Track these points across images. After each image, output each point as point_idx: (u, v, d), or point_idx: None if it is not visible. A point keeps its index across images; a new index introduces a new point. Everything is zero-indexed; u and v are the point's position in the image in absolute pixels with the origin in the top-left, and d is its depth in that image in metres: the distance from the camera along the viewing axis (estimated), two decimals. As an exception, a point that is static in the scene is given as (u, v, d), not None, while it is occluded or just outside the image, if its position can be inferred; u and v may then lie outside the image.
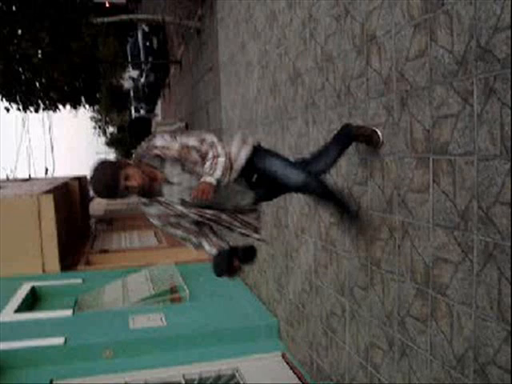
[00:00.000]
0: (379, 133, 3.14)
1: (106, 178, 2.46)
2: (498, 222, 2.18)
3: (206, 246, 2.73)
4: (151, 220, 2.72)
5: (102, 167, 2.52)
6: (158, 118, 27.05)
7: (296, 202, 4.67)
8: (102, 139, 60.60)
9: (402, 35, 2.85)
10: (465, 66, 2.34)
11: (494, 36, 2.15)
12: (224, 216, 2.73)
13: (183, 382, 4.64)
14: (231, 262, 2.57)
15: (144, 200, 2.65)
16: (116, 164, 2.52)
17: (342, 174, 3.69)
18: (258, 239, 2.87)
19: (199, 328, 5.40)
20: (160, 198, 2.62)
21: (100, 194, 2.53)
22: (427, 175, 2.67)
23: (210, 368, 4.84)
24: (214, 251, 2.68)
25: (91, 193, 19.07)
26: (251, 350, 5.12)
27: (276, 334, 5.44)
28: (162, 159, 2.58)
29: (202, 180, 2.48)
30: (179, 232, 2.73)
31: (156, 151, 2.58)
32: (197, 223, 2.73)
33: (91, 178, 2.51)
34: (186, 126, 16.39)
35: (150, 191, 2.59)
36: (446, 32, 2.46)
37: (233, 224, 2.77)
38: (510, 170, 2.10)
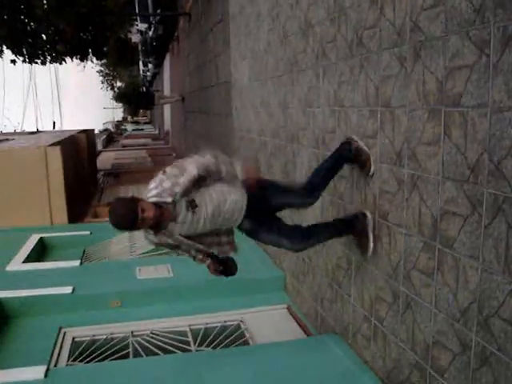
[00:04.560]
0: (371, 163, 3.37)
1: (126, 210, 2.75)
2: (509, 176, 2.15)
3: (193, 252, 3.22)
4: (148, 241, 3.11)
5: (122, 202, 2.86)
6: (160, 93, 27.94)
7: (305, 155, 4.64)
8: (110, 94, 60.31)
9: (417, -17, 2.76)
10: (482, 14, 2.26)
11: (514, -18, 2.07)
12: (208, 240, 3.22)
13: (189, 331, 4.72)
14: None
15: (150, 232, 2.97)
16: (133, 200, 2.81)
17: (352, 127, 3.65)
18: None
19: (205, 279, 5.45)
20: (164, 231, 2.95)
21: (120, 225, 2.82)
22: (438, 127, 2.62)
23: (215, 319, 4.91)
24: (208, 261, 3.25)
25: (98, 146, 19.05)
26: (256, 302, 5.18)
27: (281, 287, 5.50)
28: (172, 203, 2.87)
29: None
30: (168, 247, 3.19)
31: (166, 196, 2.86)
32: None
33: (111, 211, 2.82)
34: (183, 100, 16.39)
35: (157, 225, 2.89)
36: (464, -22, 2.37)
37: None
38: (524, 121, 2.06)
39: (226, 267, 3.27)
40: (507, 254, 2.20)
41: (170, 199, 2.84)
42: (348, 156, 3.50)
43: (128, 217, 2.73)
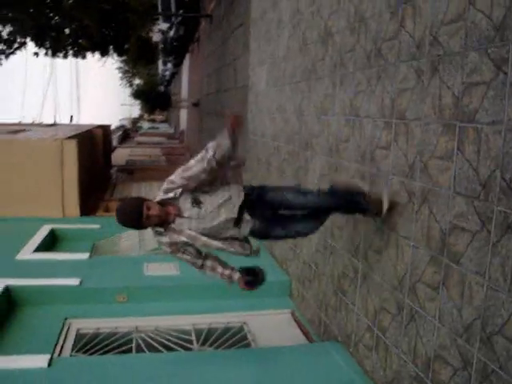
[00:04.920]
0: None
1: (132, 208, 2.90)
2: (520, 194, 2.16)
3: (219, 269, 3.30)
4: (163, 247, 3.16)
5: (129, 201, 3.05)
6: (177, 97, 28.53)
7: (318, 162, 4.66)
8: (128, 91, 60.69)
9: (439, -3, 2.78)
10: (502, 32, 2.27)
11: (535, 2, 2.08)
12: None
13: (193, 330, 4.74)
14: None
15: (158, 229, 3.06)
16: (139, 198, 2.99)
17: (366, 137, 3.66)
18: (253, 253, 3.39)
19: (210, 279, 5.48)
20: (172, 226, 3.03)
21: (126, 222, 2.95)
22: (452, 142, 2.63)
23: (219, 319, 4.93)
24: (236, 275, 3.29)
25: (114, 142, 19.18)
26: (261, 306, 5.20)
27: (287, 292, 5.51)
28: (175, 198, 3.00)
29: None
30: (186, 256, 3.17)
31: (169, 192, 3.00)
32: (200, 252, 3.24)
33: (118, 210, 2.96)
34: (196, 104, 16.57)
35: (164, 222, 3.00)
36: (486, -4, 2.39)
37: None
38: (537, 141, 2.06)
39: (255, 277, 3.29)
40: (513, 272, 2.20)
41: (171, 194, 2.98)
42: (363, 208, 3.38)
43: (134, 214, 2.88)
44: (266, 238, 3.56)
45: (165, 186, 3.03)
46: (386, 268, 3.37)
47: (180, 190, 2.98)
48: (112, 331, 4.71)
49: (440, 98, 2.75)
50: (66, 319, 4.80)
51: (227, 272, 3.28)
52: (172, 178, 3.02)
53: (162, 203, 2.99)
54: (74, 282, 5.31)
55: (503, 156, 2.26)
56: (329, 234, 4.36)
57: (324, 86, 4.51)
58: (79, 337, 4.60)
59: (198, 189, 3.02)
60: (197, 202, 3.01)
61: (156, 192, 3.10)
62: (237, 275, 3.27)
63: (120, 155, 18.71)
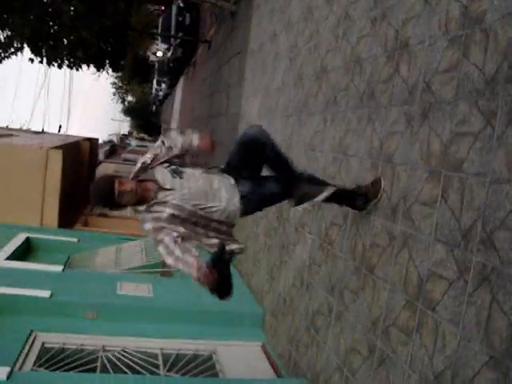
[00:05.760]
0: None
1: (104, 184, 2.83)
2: (500, 247, 2.17)
3: (189, 258, 2.74)
4: (146, 225, 2.88)
5: (100, 178, 2.98)
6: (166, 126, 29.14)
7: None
8: (119, 107, 60.77)
9: (435, 47, 2.83)
10: (493, 87, 2.32)
11: (527, 61, 2.13)
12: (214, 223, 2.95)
13: (160, 355, 4.66)
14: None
15: (140, 208, 2.90)
16: (111, 175, 2.94)
17: (352, 176, 3.68)
18: (238, 250, 2.99)
19: (184, 305, 5.42)
20: (155, 200, 2.87)
21: (100, 200, 2.88)
22: (437, 189, 2.66)
23: (188, 346, 4.86)
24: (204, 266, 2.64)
25: (100, 156, 19.11)
26: (232, 336, 5.13)
27: (259, 324, 5.45)
28: (147, 168, 2.98)
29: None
30: (167, 240, 2.80)
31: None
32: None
33: (92, 188, 2.90)
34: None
35: (143, 199, 2.88)
36: (480, 50, 2.44)
37: (220, 231, 2.98)
38: (520, 196, 2.09)
39: (222, 280, 2.55)
40: (488, 325, 2.20)
41: (139, 164, 2.98)
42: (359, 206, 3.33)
43: (106, 189, 2.80)
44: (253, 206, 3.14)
45: (138, 164, 3.02)
46: (360, 309, 3.35)
47: (150, 160, 2.99)
48: (78, 348, 4.61)
49: (428, 145, 2.79)
50: (31, 331, 4.68)
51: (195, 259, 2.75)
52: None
53: (140, 180, 2.91)
54: (44, 293, 5.20)
55: (485, 208, 2.28)
56: (306, 270, 4.34)
57: (315, 122, 4.55)
58: (44, 351, 4.49)
59: (172, 162, 3.00)
60: (177, 172, 2.94)
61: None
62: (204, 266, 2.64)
63: (105, 170, 18.57)
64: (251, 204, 3.06)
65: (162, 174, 2.93)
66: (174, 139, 3.09)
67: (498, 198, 2.21)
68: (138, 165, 3.00)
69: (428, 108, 2.83)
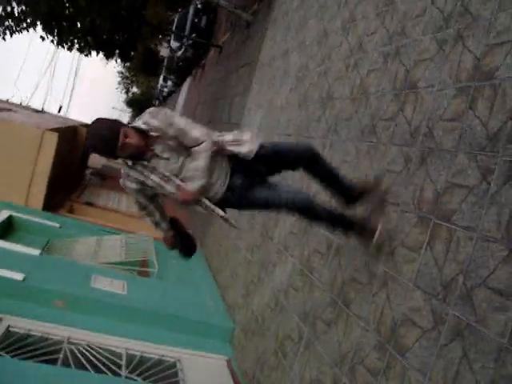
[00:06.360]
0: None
1: (107, 131, 2.51)
2: (478, 305, 2.16)
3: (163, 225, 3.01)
4: (127, 183, 2.80)
5: (104, 122, 2.59)
6: None
7: (288, 219, 4.64)
8: (123, 97, 60.66)
9: (443, 93, 2.83)
10: (494, 144, 2.32)
11: (531, 124, 2.13)
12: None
13: (124, 355, 4.60)
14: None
15: (129, 162, 2.71)
16: (117, 121, 2.59)
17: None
18: (232, 224, 2.96)
19: (156, 307, 5.36)
20: (145, 163, 2.68)
21: (97, 148, 2.57)
22: (424, 236, 2.65)
23: (153, 350, 4.80)
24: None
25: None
26: (199, 346, 5.08)
27: (228, 338, 5.40)
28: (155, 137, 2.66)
29: (185, 187, 2.68)
30: (148, 204, 2.90)
31: (151, 127, 2.65)
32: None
33: (90, 131, 2.56)
34: None
35: (139, 155, 2.66)
36: (487, 105, 2.44)
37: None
38: (505, 257, 2.08)
39: (184, 245, 3.06)
40: (455, 381, 2.18)
41: (157, 123, 2.63)
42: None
43: (108, 140, 2.51)
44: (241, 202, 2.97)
45: (146, 117, 2.66)
46: (331, 341, 3.33)
47: (156, 133, 2.64)
48: (43, 336, 4.54)
49: (422, 190, 2.78)
50: (-2, 313, 4.62)
51: (164, 226, 3.03)
52: (158, 112, 2.68)
53: (143, 133, 2.63)
54: (18, 276, 5.12)
55: (469, 263, 2.28)
56: (283, 292, 4.31)
57: (313, 146, 4.53)
58: (7, 334, 4.41)
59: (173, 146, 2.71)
60: (175, 151, 2.70)
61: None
62: (170, 234, 3.05)
63: (98, 158, 18.51)
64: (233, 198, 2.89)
65: (161, 145, 2.68)
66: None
67: (484, 256, 2.20)
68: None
69: (427, 153, 2.83)
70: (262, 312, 4.69)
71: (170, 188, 2.74)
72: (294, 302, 4.07)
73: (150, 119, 2.66)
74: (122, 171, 2.79)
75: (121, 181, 2.83)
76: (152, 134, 2.65)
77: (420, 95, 3.06)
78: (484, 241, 2.22)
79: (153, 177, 2.71)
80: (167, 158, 2.68)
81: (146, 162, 2.69)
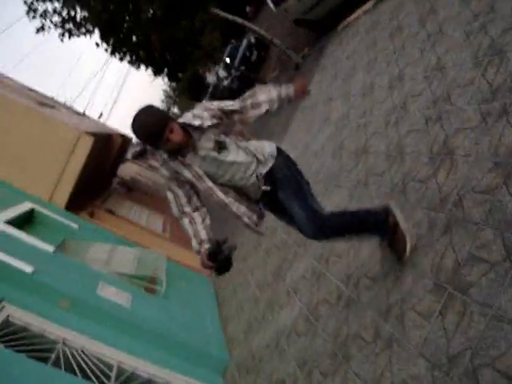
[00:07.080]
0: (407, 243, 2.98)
1: (155, 121, 2.54)
2: (481, 384, 2.10)
3: (190, 231, 2.85)
4: (163, 170, 2.82)
5: (153, 111, 2.61)
6: None
7: (303, 262, 4.61)
8: (163, 115, 61.79)
9: (478, 165, 2.82)
10: (523, 225, 2.28)
11: None
12: (232, 193, 2.87)
13: (115, 368, 4.55)
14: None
15: (165, 156, 2.75)
16: (166, 114, 2.62)
17: (359, 262, 3.63)
18: (257, 231, 3.01)
19: (156, 326, 5.33)
20: (180, 158, 2.73)
21: (140, 134, 2.59)
22: (437, 304, 2.59)
23: (145, 368, 4.74)
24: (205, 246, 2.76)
25: (128, 154, 19.27)
26: (191, 373, 5.00)
27: (221, 371, 5.31)
28: (201, 131, 2.69)
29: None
30: (180, 192, 2.85)
31: (196, 121, 2.68)
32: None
33: (138, 117, 2.57)
34: None
35: (178, 151, 2.70)
36: (522, 185, 2.42)
37: (240, 203, 2.90)
38: (517, 341, 2.02)
39: (220, 263, 2.73)
40: None
41: (197, 122, 2.65)
42: (381, 227, 3.07)
43: (153, 129, 2.54)
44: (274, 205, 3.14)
45: (196, 110, 2.72)
46: (324, 394, 3.25)
47: (209, 122, 2.67)
48: (40, 332, 4.53)
49: (442, 258, 2.74)
50: (1, 300, 4.62)
51: (203, 235, 2.82)
52: (208, 105, 2.74)
53: (185, 129, 2.66)
54: (27, 268, 5.15)
55: (480, 340, 2.22)
56: (285, 335, 4.24)
57: (340, 196, 4.53)
58: (5, 324, 4.41)
59: (222, 132, 2.77)
60: (220, 147, 2.73)
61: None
62: (204, 248, 2.76)
63: (128, 169, 18.78)
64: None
65: (206, 141, 2.72)
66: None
67: (495, 336, 2.14)
68: (196, 122, 2.68)
69: (454, 221, 2.80)
70: (261, 351, 4.62)
71: (200, 186, 2.80)
72: (294, 348, 4.00)
73: (202, 111, 2.71)
74: (159, 156, 2.81)
75: (153, 162, 2.91)
76: (205, 125, 2.66)
77: (456, 163, 3.05)
78: (498, 320, 2.17)
79: (186, 172, 2.76)
80: (204, 157, 2.73)
81: (181, 158, 2.73)
